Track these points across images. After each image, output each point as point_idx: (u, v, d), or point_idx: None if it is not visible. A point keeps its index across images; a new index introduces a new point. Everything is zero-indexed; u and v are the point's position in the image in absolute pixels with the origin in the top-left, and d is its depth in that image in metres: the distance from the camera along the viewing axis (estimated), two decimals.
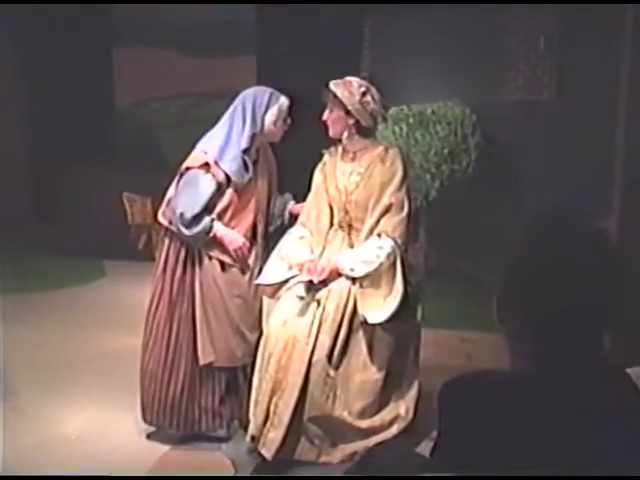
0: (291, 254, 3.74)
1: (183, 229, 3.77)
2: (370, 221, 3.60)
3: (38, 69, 7.62)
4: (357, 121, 3.63)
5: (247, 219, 3.90)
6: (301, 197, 3.87)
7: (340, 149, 3.78)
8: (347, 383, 3.60)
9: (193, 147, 3.91)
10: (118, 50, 7.72)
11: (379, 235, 3.57)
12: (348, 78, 3.65)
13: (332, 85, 3.62)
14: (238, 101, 3.85)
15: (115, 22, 7.65)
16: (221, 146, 3.80)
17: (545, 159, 6.22)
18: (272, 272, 3.77)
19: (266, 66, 7.40)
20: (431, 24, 6.70)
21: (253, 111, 3.80)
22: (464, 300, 5.83)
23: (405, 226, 3.59)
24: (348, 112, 3.61)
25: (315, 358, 3.55)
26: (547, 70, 6.38)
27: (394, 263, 3.54)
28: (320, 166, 3.83)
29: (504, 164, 6.47)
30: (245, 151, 3.81)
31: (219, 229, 3.80)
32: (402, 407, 3.69)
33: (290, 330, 3.59)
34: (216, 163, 3.78)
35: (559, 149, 6.10)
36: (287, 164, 6.86)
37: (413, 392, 3.72)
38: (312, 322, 3.57)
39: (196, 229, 3.77)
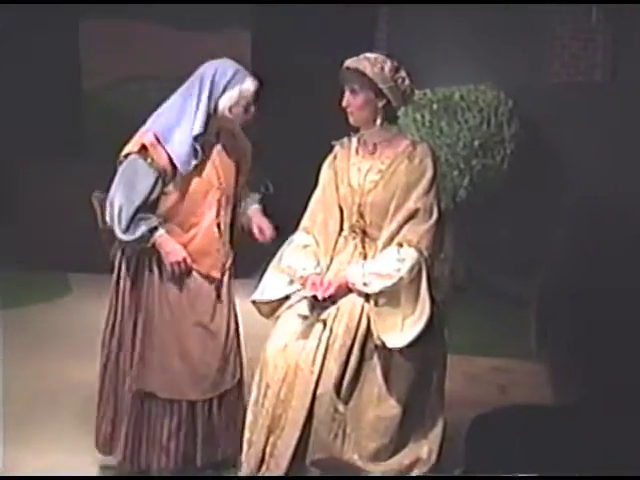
0: (292, 266, 3.75)
1: (119, 232, 3.81)
2: (390, 228, 3.61)
3: None
4: (386, 104, 3.65)
5: (207, 215, 3.93)
6: (306, 197, 3.89)
7: (355, 140, 3.79)
8: (359, 420, 3.61)
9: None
10: (85, 21, 7.74)
11: (400, 244, 3.58)
12: (369, 54, 3.67)
13: (355, 62, 3.64)
14: (197, 74, 3.87)
15: None
16: (169, 125, 3.82)
17: (596, 152, 6.24)
18: (270, 287, 3.79)
19: (262, 43, 7.44)
20: None
21: (210, 89, 3.81)
22: (497, 321, 5.86)
23: (433, 236, 3.60)
24: (377, 93, 3.64)
25: (321, 390, 3.56)
26: (600, 45, 6.40)
27: (417, 278, 3.56)
28: (329, 160, 3.83)
29: (546, 158, 6.50)
30: (197, 137, 3.83)
31: (159, 236, 3.83)
32: (424, 448, 3.70)
33: (291, 356, 3.61)
34: (160, 144, 3.79)
35: (613, 140, 6.12)
36: (288, 158, 6.91)
37: (437, 431, 3.72)
38: (317, 347, 3.58)
39: (133, 235, 3.81)
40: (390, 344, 3.53)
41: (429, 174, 3.64)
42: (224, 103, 3.83)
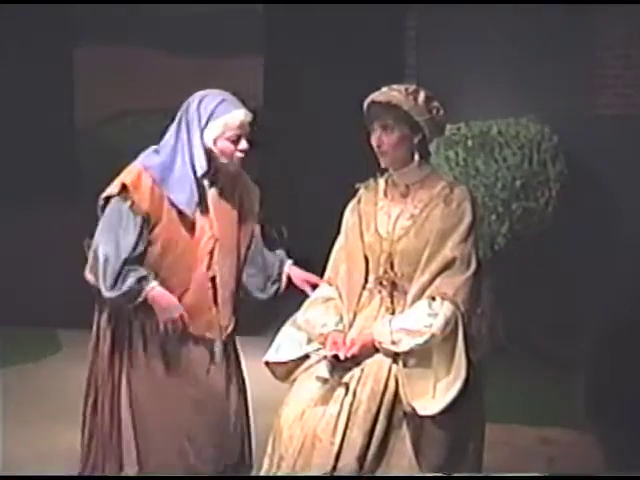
0: (311, 322, 3.76)
1: (104, 290, 3.77)
2: (422, 279, 3.61)
3: None
4: (421, 139, 3.69)
5: (200, 267, 3.93)
6: (326, 247, 3.91)
7: (382, 182, 3.82)
8: None
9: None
10: (80, 50, 7.82)
11: (432, 298, 3.58)
12: (395, 86, 3.70)
13: (385, 95, 3.65)
14: (183, 106, 3.92)
15: (77, 13, 7.72)
16: (165, 164, 3.84)
17: None
18: (285, 346, 3.80)
19: (277, 69, 7.49)
20: (497, 15, 6.77)
21: (198, 121, 3.85)
22: (542, 386, 5.82)
23: (470, 288, 3.60)
24: (412, 128, 3.66)
25: (342, 462, 3.54)
26: None
27: (452, 336, 3.56)
28: (353, 204, 3.86)
29: (596, 201, 6.49)
30: (201, 176, 3.87)
31: (151, 289, 3.80)
32: None
33: (308, 424, 3.59)
34: (154, 183, 3.79)
35: None
36: (303, 200, 6.92)
37: None
38: (338, 414, 3.56)
39: (120, 290, 3.77)
40: (421, 411, 3.51)
41: (467, 220, 3.65)
42: (208, 136, 3.85)
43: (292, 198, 6.84)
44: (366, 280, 3.77)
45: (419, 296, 3.61)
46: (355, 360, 3.62)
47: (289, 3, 7.33)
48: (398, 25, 7.55)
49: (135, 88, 7.51)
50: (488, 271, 5.95)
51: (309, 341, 3.78)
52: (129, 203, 3.79)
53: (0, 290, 7.20)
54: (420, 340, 3.53)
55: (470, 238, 3.64)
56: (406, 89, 3.67)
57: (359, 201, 3.84)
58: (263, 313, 6.38)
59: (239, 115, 3.88)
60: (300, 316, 3.84)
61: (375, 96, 3.68)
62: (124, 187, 3.80)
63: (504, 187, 6.26)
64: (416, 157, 3.69)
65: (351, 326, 3.74)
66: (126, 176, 3.85)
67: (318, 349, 3.73)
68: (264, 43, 7.55)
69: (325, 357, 3.66)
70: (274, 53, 7.54)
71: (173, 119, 3.95)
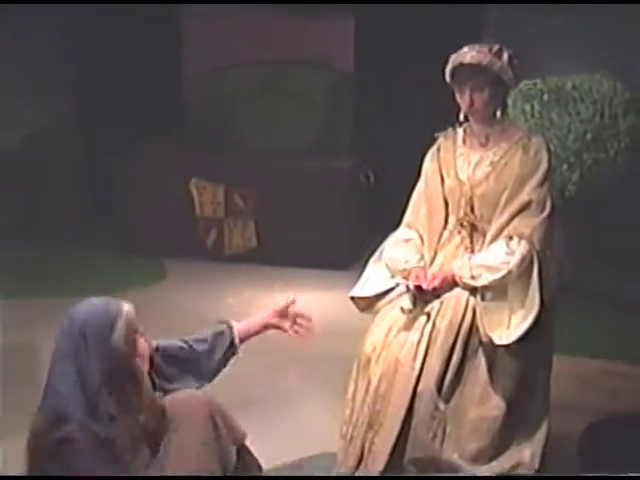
0: (395, 258, 3.79)
1: None
2: (501, 220, 3.65)
3: (90, 33, 7.72)
4: (505, 94, 3.73)
5: None
6: (408, 191, 3.88)
7: (460, 131, 3.82)
8: (459, 419, 3.60)
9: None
10: (187, 11, 7.77)
11: (510, 237, 3.61)
12: (477, 46, 3.66)
13: (475, 57, 3.62)
14: (77, 337, 3.13)
15: None
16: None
17: None
18: (370, 281, 3.84)
19: (367, 29, 7.38)
20: None
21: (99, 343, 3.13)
22: (610, 324, 5.74)
23: (545, 229, 3.63)
24: (499, 86, 3.67)
25: (421, 387, 3.56)
26: None
27: (528, 272, 3.57)
28: (432, 152, 3.87)
29: None
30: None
31: None
32: (526, 452, 3.66)
33: (391, 351, 3.62)
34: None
35: None
36: (390, 149, 6.86)
37: (541, 434, 3.68)
38: (419, 341, 3.59)
39: None
40: (497, 341, 3.53)
41: (544, 167, 3.68)
42: (119, 342, 3.18)
43: (381, 147, 6.82)
44: (446, 222, 3.80)
45: (497, 236, 3.64)
46: (435, 293, 3.65)
47: None
48: None
49: (238, 44, 7.42)
50: (559, 217, 5.86)
51: (392, 276, 3.81)
52: None
53: (112, 221, 7.25)
54: (498, 275, 3.56)
55: (546, 183, 3.68)
56: (490, 49, 3.66)
57: (438, 149, 3.85)
58: (346, 251, 6.44)
59: (127, 310, 3.29)
60: (384, 254, 3.87)
61: (464, 58, 3.65)
62: None
63: (576, 139, 6.16)
64: (498, 111, 3.73)
65: (432, 263, 3.77)
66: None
67: (400, 284, 3.75)
68: (356, 4, 7.37)
69: (408, 289, 3.68)
70: (365, 13, 7.37)
71: None
